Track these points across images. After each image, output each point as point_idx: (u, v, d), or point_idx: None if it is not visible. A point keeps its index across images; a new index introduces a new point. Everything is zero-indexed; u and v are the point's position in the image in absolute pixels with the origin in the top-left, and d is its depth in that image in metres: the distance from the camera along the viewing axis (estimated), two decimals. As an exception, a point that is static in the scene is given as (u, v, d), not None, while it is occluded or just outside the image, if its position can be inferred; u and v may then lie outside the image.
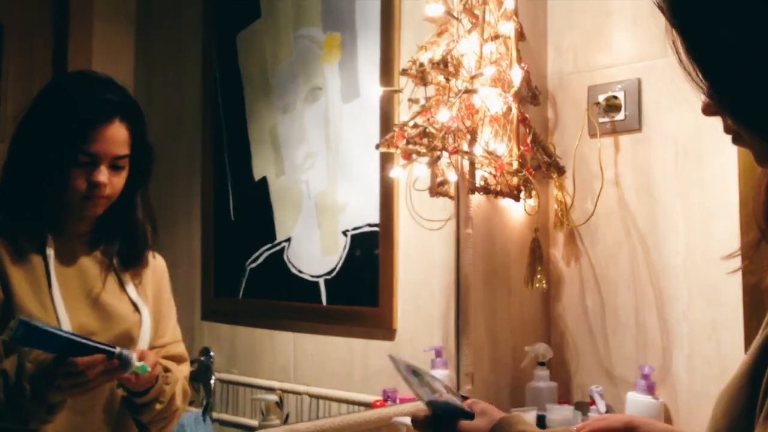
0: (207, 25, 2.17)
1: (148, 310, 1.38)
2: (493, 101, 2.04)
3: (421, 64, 2.00)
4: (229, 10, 2.23)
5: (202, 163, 2.16)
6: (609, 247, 2.22)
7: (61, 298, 1.27)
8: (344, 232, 2.15)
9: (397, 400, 1.99)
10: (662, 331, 2.10)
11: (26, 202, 1.29)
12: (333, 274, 2.15)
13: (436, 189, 2.07)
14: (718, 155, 1.99)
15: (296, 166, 2.22)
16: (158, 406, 1.34)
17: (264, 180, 2.22)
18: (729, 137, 0.70)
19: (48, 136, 1.28)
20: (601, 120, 2.22)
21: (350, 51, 2.18)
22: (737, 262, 0.77)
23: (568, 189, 2.27)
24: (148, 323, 1.37)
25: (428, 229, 2.10)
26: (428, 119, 1.99)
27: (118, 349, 1.20)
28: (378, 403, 1.98)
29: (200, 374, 1.92)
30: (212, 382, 1.98)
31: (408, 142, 1.98)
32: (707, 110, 0.69)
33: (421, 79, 2.00)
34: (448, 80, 2.01)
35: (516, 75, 2.08)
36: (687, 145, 2.08)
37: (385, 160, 2.06)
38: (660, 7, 0.67)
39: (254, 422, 1.93)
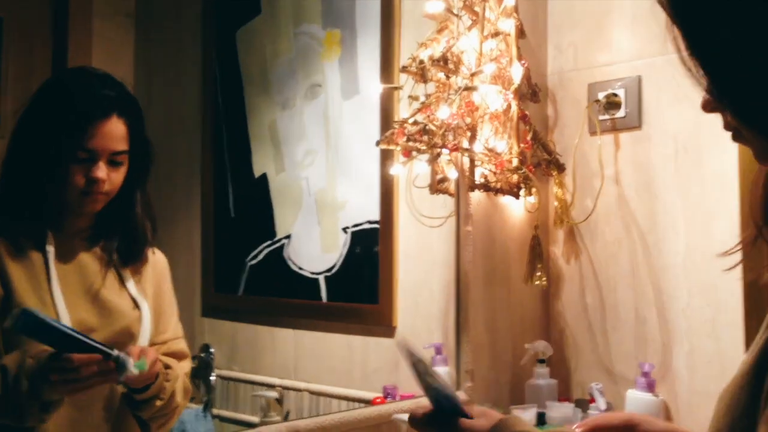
0: (207, 22, 2.17)
1: (148, 307, 1.37)
2: (493, 98, 2.04)
3: (421, 61, 1.99)
4: (228, 7, 2.23)
5: (202, 160, 2.16)
6: (609, 244, 2.22)
7: (61, 294, 1.27)
8: (344, 229, 2.15)
9: (397, 397, 1.99)
10: (662, 329, 2.10)
11: (26, 199, 1.29)
12: (333, 271, 2.15)
13: (436, 186, 2.07)
14: (718, 153, 1.99)
15: (296, 163, 2.23)
16: (158, 403, 1.34)
17: (264, 177, 2.22)
18: (729, 134, 0.70)
19: (45, 132, 1.28)
20: (601, 117, 2.22)
21: (350, 48, 2.18)
22: (734, 258, 0.77)
23: (568, 186, 2.27)
24: (148, 319, 1.37)
25: (428, 226, 2.10)
26: (428, 116, 1.99)
27: (116, 352, 1.20)
28: (378, 400, 1.98)
29: (200, 371, 1.93)
30: (212, 378, 1.98)
31: (408, 139, 1.98)
32: (707, 106, 0.69)
33: (421, 76, 2.00)
34: (448, 77, 2.01)
35: (516, 72, 2.08)
36: (687, 143, 2.08)
37: (385, 157, 2.06)
38: (661, 3, 0.67)
39: (255, 419, 1.93)
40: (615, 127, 2.21)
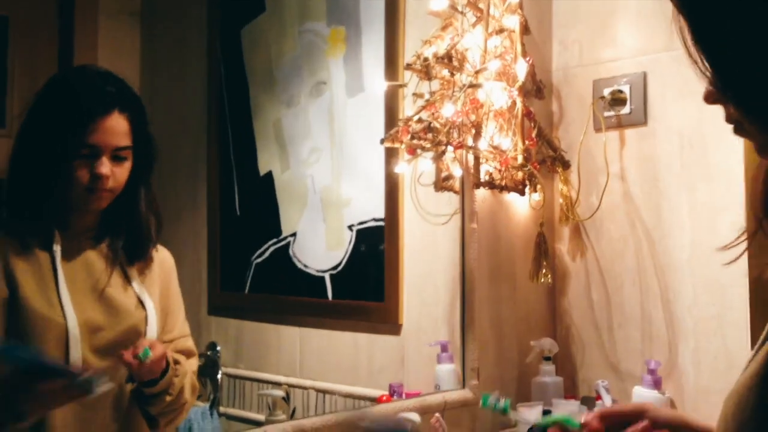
0: (211, 20, 2.18)
1: (154, 305, 1.38)
2: (497, 95, 2.04)
3: (426, 59, 1.99)
4: (233, 5, 2.23)
5: (207, 159, 2.16)
6: (614, 241, 2.22)
7: (68, 294, 1.27)
8: (349, 227, 2.15)
9: (403, 395, 2.00)
10: (668, 326, 2.09)
11: (32, 198, 1.30)
12: (338, 268, 2.15)
13: (441, 184, 2.07)
14: (724, 149, 1.99)
15: (301, 161, 2.23)
16: (168, 398, 1.35)
17: (269, 174, 2.22)
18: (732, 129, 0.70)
19: (48, 129, 1.28)
20: (606, 114, 2.21)
21: (355, 45, 2.18)
22: (736, 252, 0.77)
23: (573, 183, 2.26)
24: (154, 318, 1.37)
25: (433, 223, 2.10)
26: (433, 114, 1.99)
27: (80, 377, 1.16)
28: (384, 398, 1.98)
29: (207, 369, 1.93)
30: (219, 376, 1.99)
31: (413, 137, 1.98)
32: (709, 98, 0.69)
33: (426, 73, 2.00)
34: (452, 74, 2.01)
35: (521, 69, 2.07)
36: (693, 139, 2.07)
37: (390, 154, 2.06)
38: None
39: (261, 417, 1.93)
40: (620, 124, 2.20)
